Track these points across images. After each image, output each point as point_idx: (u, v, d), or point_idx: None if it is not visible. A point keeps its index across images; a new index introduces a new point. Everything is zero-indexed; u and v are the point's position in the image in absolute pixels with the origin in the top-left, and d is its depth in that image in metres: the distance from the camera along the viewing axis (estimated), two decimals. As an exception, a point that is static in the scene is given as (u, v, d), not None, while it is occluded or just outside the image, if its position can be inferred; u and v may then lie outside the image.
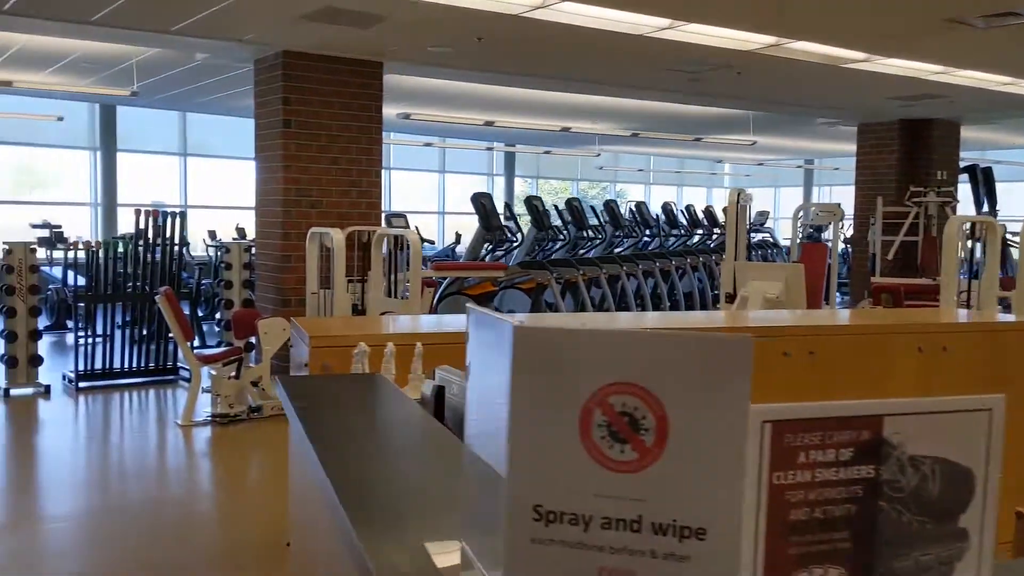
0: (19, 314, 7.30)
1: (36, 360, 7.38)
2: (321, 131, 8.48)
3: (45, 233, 14.13)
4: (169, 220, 7.85)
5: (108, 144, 15.24)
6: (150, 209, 7.87)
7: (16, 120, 14.19)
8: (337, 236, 6.69)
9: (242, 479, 5.54)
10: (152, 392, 7.71)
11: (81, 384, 7.56)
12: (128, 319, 8.09)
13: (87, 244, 7.68)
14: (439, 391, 1.81)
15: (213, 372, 6.38)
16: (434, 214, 20.18)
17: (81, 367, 7.74)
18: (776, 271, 7.18)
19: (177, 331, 6.30)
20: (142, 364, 7.95)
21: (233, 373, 6.34)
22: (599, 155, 18.42)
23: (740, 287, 6.74)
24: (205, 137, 16.79)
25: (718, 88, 10.36)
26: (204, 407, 6.60)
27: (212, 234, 13.57)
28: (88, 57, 9.78)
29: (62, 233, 11.81)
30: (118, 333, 7.94)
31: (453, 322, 3.83)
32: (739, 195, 7.87)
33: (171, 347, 8.11)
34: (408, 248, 6.63)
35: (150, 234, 8.03)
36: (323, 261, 7.24)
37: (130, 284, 8.02)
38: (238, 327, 6.65)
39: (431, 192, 20.63)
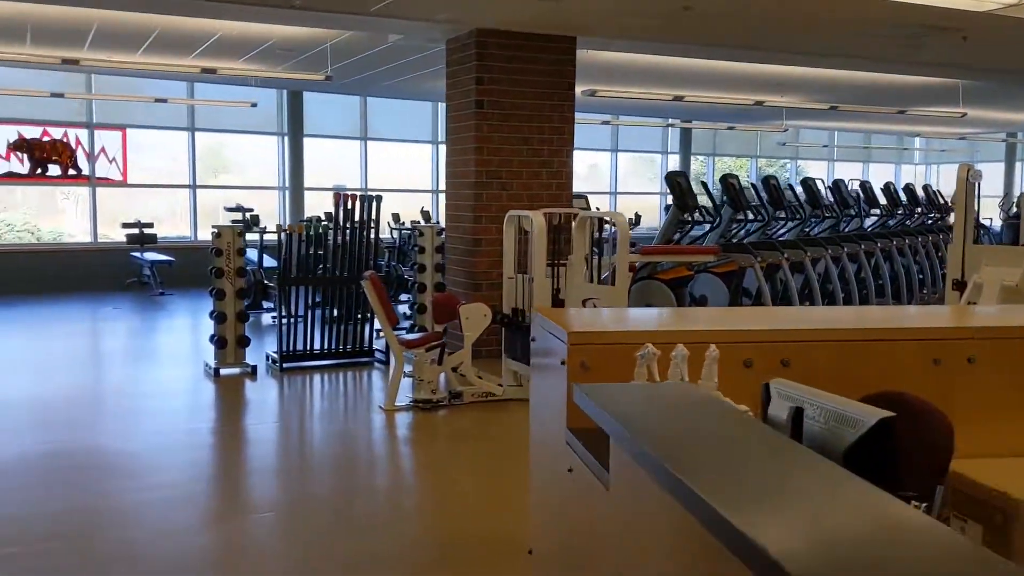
0: (227, 296, 7.50)
1: (243, 341, 7.57)
2: (513, 111, 8.30)
3: (238, 216, 14.79)
4: (366, 204, 7.87)
5: (295, 129, 15.71)
6: (349, 193, 7.91)
7: (210, 108, 14.83)
8: (538, 219, 6.47)
9: (451, 470, 5.42)
10: (349, 375, 7.78)
11: (284, 365, 7.71)
12: (322, 301, 8.20)
13: (290, 227, 7.81)
14: (796, 414, 1.50)
15: (414, 357, 6.32)
16: (605, 194, 19.82)
17: (282, 348, 7.90)
18: (1017, 255, 6.45)
19: (382, 316, 6.27)
20: (338, 346, 8.03)
21: (435, 358, 6.25)
22: (786, 130, 17.51)
23: (971, 273, 6.08)
24: (383, 121, 17.05)
25: (934, 55, 9.50)
26: (404, 392, 6.55)
27: (395, 217, 13.73)
28: (283, 43, 9.99)
29: (258, 217, 12.22)
30: (313, 315, 8.06)
31: (722, 317, 3.46)
32: (968, 171, 7.12)
33: (366, 329, 8.16)
34: (613, 231, 6.36)
35: (346, 217, 8.08)
36: (519, 245, 7.05)
37: (324, 267, 8.12)
38: (438, 312, 6.56)
39: (596, 172, 20.27)
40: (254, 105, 13.67)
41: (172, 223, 15.62)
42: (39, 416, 6.34)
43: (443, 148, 18.30)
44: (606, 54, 9.89)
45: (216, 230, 7.48)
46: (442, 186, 18.34)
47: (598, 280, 6.53)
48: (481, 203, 8.26)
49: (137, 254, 13.66)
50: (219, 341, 7.50)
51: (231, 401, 6.93)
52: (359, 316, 8.07)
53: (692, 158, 21.34)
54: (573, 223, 6.81)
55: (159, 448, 5.56)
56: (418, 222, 14.26)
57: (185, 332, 10.60)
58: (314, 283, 8.03)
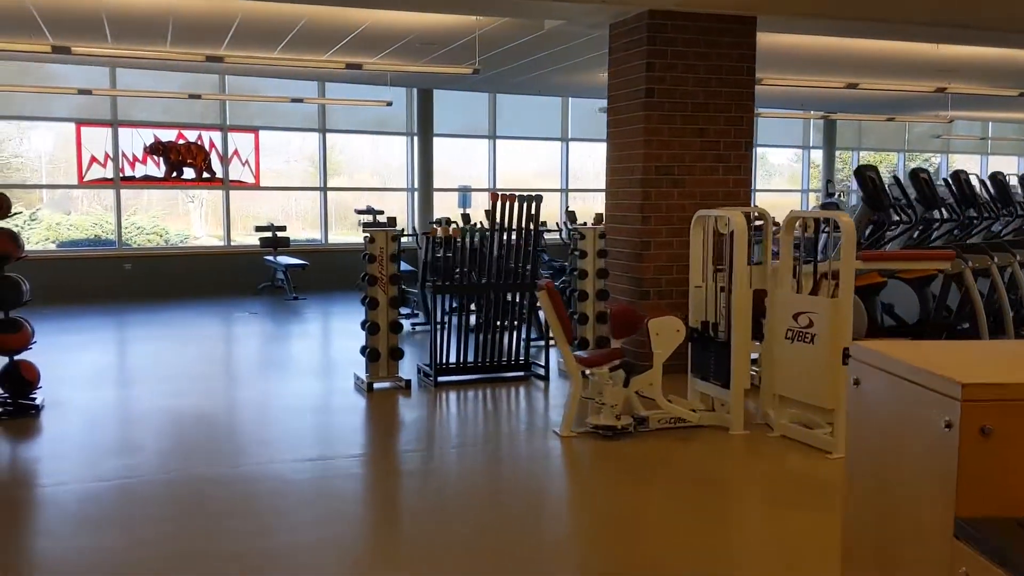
0: (380, 305, 6.93)
1: (396, 353, 7.00)
2: (686, 100, 7.48)
3: (368, 218, 14.41)
4: (525, 204, 7.19)
5: (425, 129, 15.23)
6: (507, 193, 7.26)
7: (331, 109, 14.49)
8: (738, 220, 5.66)
9: (654, 513, 4.66)
10: (508, 391, 7.11)
11: (439, 379, 7.11)
12: (477, 310, 7.56)
13: (444, 231, 7.20)
14: None
15: (593, 377, 5.60)
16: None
17: (429, 359, 7.31)
18: None
19: (558, 330, 5.56)
20: (492, 359, 7.38)
21: (618, 379, 5.51)
22: (951, 121, 16.11)
23: None
24: (509, 119, 16.43)
25: None
26: (576, 414, 5.83)
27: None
28: (425, 36, 9.43)
29: (395, 220, 11.73)
30: (466, 325, 7.43)
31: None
32: None
33: (521, 341, 7.49)
34: (837, 232, 5.49)
35: (504, 219, 7.42)
36: (711, 248, 6.24)
37: (478, 273, 7.47)
38: (616, 325, 5.82)
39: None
40: (389, 104, 13.22)
41: (292, 225, 15.37)
42: (177, 436, 5.87)
43: (572, 146, 17.76)
44: (773, 39, 8.97)
45: (369, 235, 6.92)
46: (572, 184, 17.73)
47: (806, 289, 5.66)
48: (650, 202, 7.48)
49: (270, 258, 13.40)
50: (372, 353, 6.94)
51: (388, 421, 6.34)
52: (515, 326, 7.40)
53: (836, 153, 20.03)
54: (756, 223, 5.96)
55: (313, 478, 4.98)
56: (567, 224, 13.61)
57: (326, 339, 10.18)
58: (472, 291, 7.39)
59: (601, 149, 18.18)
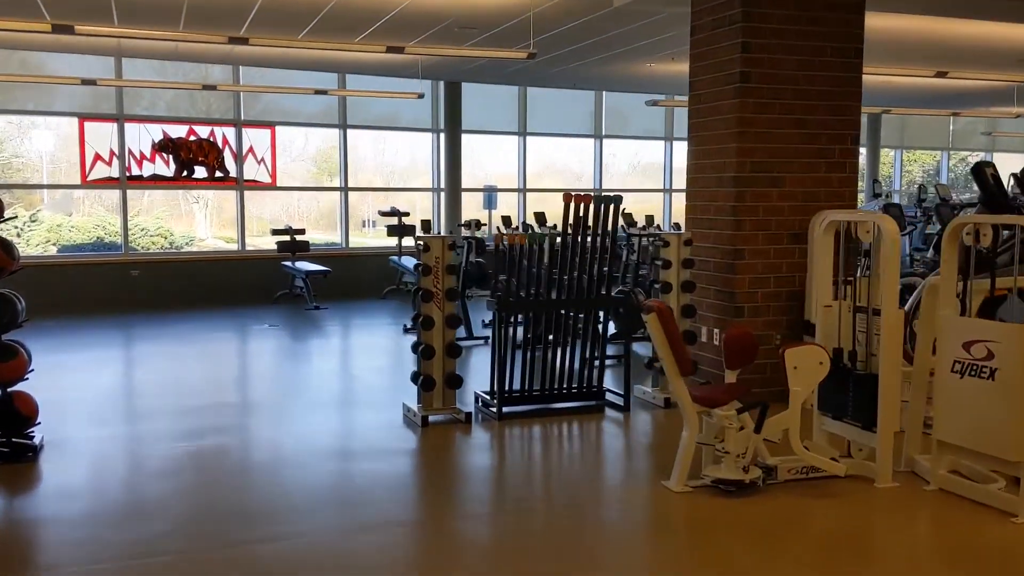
0: (436, 325, 5.92)
1: (454, 381, 5.99)
2: (785, 85, 6.47)
3: (393, 220, 13.39)
4: (603, 208, 6.18)
5: (452, 124, 14.21)
6: (581, 193, 6.24)
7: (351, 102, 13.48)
8: (888, 226, 4.63)
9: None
10: (586, 426, 6.10)
11: (503, 410, 6.09)
12: (544, 329, 6.53)
13: (509, 237, 6.17)
14: None
15: (712, 419, 4.59)
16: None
17: (489, 386, 6.31)
18: None
19: (671, 361, 4.55)
20: (562, 386, 6.37)
21: (737, 422, 4.49)
22: (1018, 116, 15.08)
23: None
24: (538, 115, 15.41)
25: None
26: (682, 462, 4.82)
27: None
28: (464, 19, 8.41)
29: (429, 223, 10.70)
30: (535, 346, 6.41)
31: None
32: None
33: (594, 364, 6.47)
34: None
35: (578, 224, 6.39)
36: (838, 257, 5.22)
37: (549, 286, 6.44)
38: (734, 353, 4.79)
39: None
40: (421, 96, 12.21)
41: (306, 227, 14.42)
42: (199, 494, 4.84)
43: (607, 142, 16.73)
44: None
45: (423, 243, 5.90)
46: (607, 183, 16.70)
47: (971, 310, 4.65)
48: (743, 204, 6.46)
49: (288, 263, 12.38)
50: (426, 382, 5.93)
51: (450, 467, 5.32)
52: (589, 347, 6.39)
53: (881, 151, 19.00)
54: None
55: (367, 552, 3.97)
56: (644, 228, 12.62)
57: (359, 358, 9.15)
58: (543, 308, 6.36)
59: (635, 146, 17.33)
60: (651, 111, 15.83)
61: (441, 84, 14.00)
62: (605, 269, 6.30)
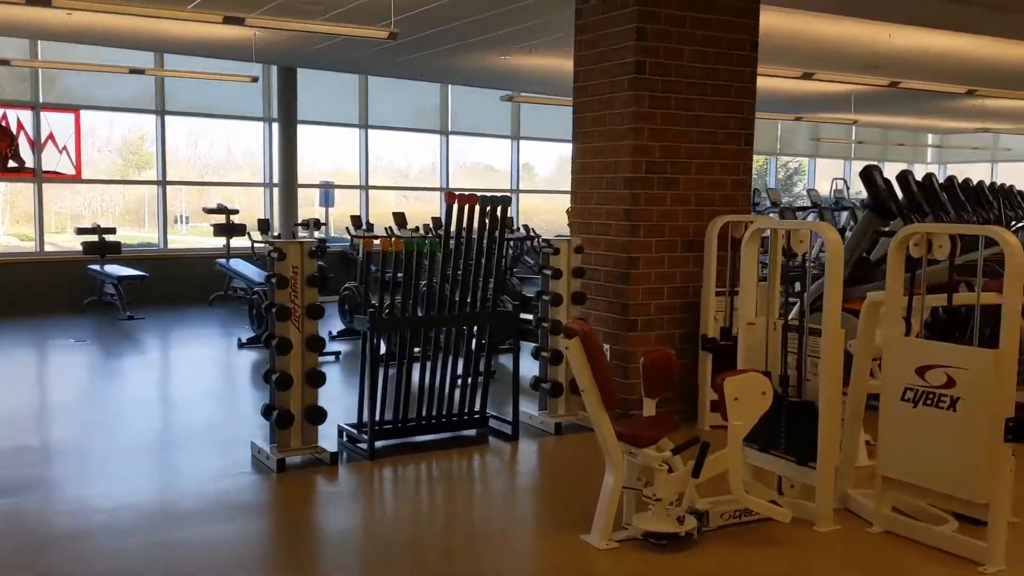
0: (294, 349, 4.95)
1: (317, 414, 5.03)
2: (682, 78, 5.91)
3: (221, 219, 12.06)
4: (490, 210, 5.39)
5: (288, 115, 13.00)
6: (464, 193, 5.42)
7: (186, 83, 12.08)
8: (830, 235, 4.09)
9: None
10: (473, 461, 5.29)
11: (376, 445, 5.19)
12: (421, 348, 5.65)
13: (385, 243, 5.24)
14: None
15: (638, 458, 3.91)
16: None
17: (358, 416, 5.41)
18: None
19: (594, 393, 3.82)
20: (439, 412, 5.54)
21: (667, 464, 3.82)
22: (855, 122, 15.43)
23: None
24: (378, 108, 14.45)
25: None
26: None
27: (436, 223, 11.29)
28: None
29: (268, 223, 9.59)
30: (409, 370, 5.55)
31: None
32: None
33: (478, 387, 5.67)
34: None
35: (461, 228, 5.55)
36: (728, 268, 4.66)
37: (421, 299, 5.54)
38: (654, 380, 4.14)
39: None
40: (255, 80, 10.99)
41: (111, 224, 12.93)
42: None
43: (454, 139, 15.89)
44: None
45: (277, 250, 4.91)
46: (454, 183, 15.86)
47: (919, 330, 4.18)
48: (639, 208, 5.85)
49: (97, 267, 10.85)
50: (281, 417, 4.94)
51: (315, 528, 4.38)
52: (473, 368, 5.60)
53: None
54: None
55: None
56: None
57: (187, 379, 7.91)
58: (428, 325, 5.48)
59: (483, 143, 16.61)
60: (498, 107, 15.21)
61: (274, 70, 12.78)
62: (491, 280, 5.52)
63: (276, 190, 13.19)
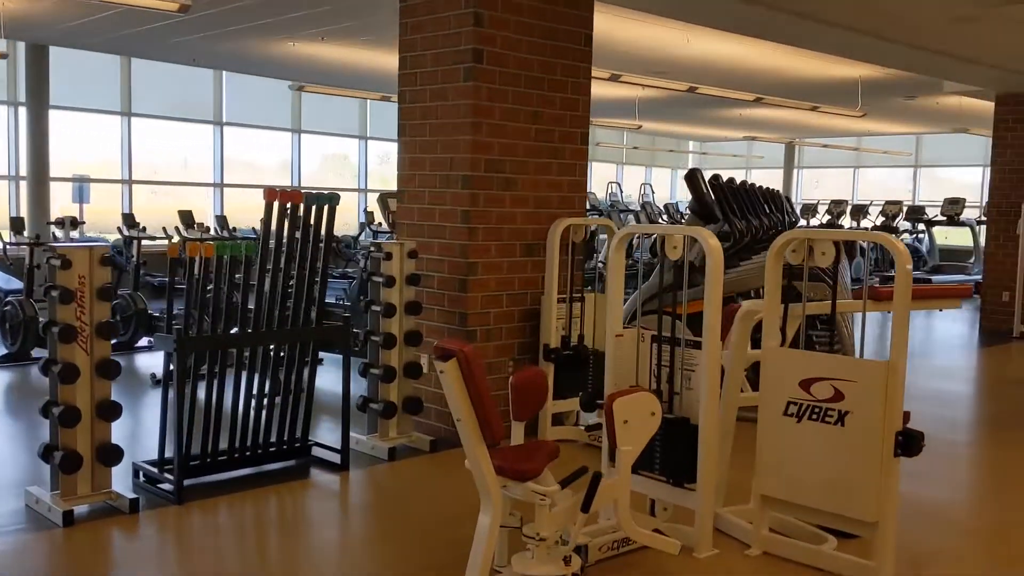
0: (82, 375, 4.06)
1: (111, 454, 4.17)
2: (520, 70, 5.52)
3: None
4: (317, 209, 4.72)
5: (38, 98, 11.41)
6: (286, 189, 4.71)
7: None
8: (711, 242, 3.82)
9: None
10: (298, 499, 4.60)
11: (184, 484, 4.38)
12: (235, 368, 4.87)
13: (192, 247, 4.41)
14: None
15: (514, 492, 3.44)
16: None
17: (159, 452, 4.58)
18: None
19: (472, 425, 3.29)
20: (257, 443, 4.81)
21: (548, 498, 3.39)
22: (639, 127, 15.78)
23: None
24: (146, 92, 13.13)
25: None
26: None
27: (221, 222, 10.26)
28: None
29: (21, 221, 8.23)
30: (220, 396, 4.77)
31: None
32: None
33: (299, 412, 4.99)
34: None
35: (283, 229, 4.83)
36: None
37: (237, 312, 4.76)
38: (523, 400, 3.69)
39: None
40: (4, 56, 9.46)
41: None
42: None
43: (228, 129, 14.69)
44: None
45: (60, 257, 4.00)
46: (229, 178, 14.65)
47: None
48: (478, 209, 5.39)
49: None
50: (67, 459, 4.05)
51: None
52: (293, 392, 4.91)
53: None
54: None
55: None
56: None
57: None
58: (246, 343, 4.70)
59: (262, 136, 15.51)
60: (281, 99, 14.28)
61: (21, 47, 11.18)
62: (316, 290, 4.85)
63: (24, 183, 11.56)
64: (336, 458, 4.98)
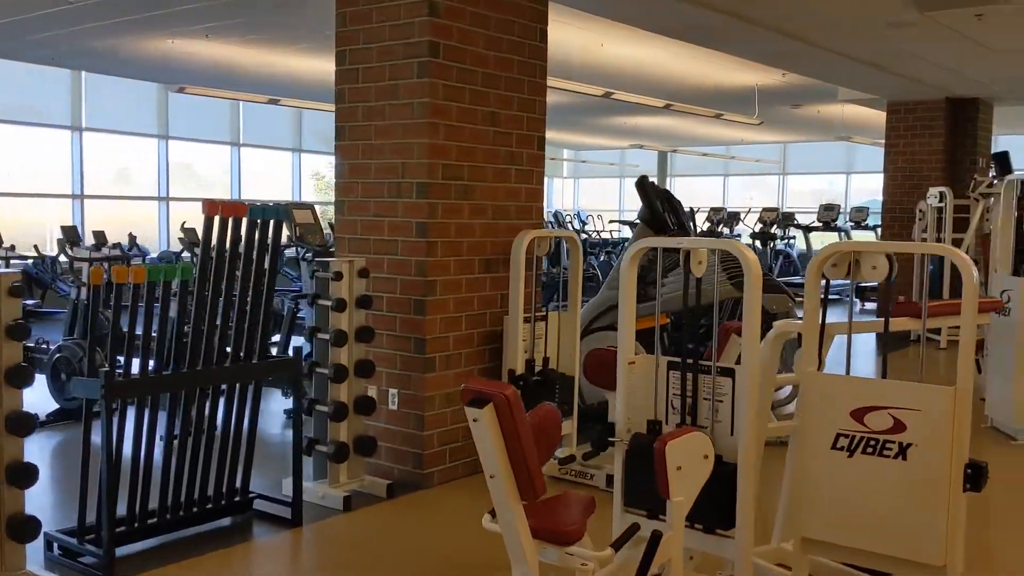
0: (-12, 436, 3.22)
1: (24, 528, 3.34)
2: (476, 66, 4.97)
3: None
4: (259, 224, 4.02)
5: None
6: (225, 201, 3.97)
7: None
8: (750, 256, 3.39)
9: None
10: (246, 566, 3.88)
11: (119, 553, 3.59)
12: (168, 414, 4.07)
13: (119, 272, 3.58)
14: None
15: (546, 556, 2.89)
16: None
17: (79, 518, 3.77)
18: None
19: (507, 478, 2.70)
20: (189, 498, 4.06)
21: (595, 563, 2.86)
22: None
23: None
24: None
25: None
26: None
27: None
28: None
29: None
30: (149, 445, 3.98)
31: None
32: None
33: (238, 460, 4.26)
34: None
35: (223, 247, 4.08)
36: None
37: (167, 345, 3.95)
38: (542, 441, 3.13)
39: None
40: None
41: None
42: None
43: (91, 137, 13.32)
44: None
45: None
46: (89, 189, 13.28)
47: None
48: (436, 221, 4.80)
49: None
50: (-34, 542, 3.21)
51: None
52: (232, 438, 4.17)
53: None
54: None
55: None
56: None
57: None
58: (178, 384, 3.93)
59: (117, 142, 14.21)
60: (146, 103, 13.13)
61: None
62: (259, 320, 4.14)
63: None
64: (285, 511, 4.28)
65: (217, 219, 3.91)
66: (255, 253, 4.04)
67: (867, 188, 21.20)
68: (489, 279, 5.11)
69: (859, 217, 17.21)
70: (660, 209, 6.16)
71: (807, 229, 17.31)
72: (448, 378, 4.89)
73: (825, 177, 23.29)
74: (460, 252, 4.92)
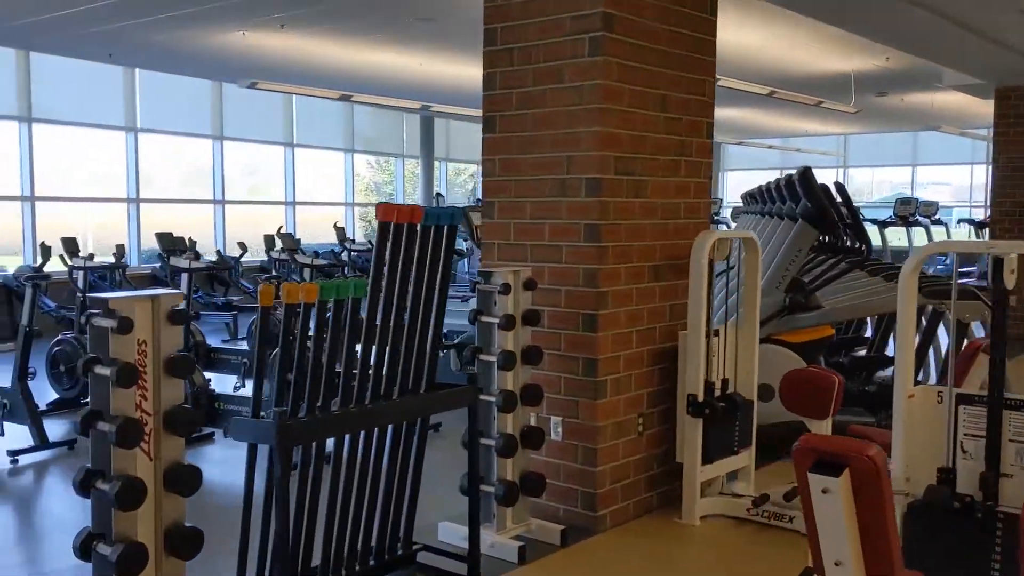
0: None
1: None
2: (649, 43, 4.30)
3: None
4: (434, 232, 3.38)
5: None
6: (403, 205, 3.35)
7: None
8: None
9: None
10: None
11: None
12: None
13: (291, 290, 2.94)
14: None
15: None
16: (342, 205, 15.44)
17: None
18: None
19: (856, 566, 2.07)
20: (358, 548, 3.43)
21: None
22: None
23: None
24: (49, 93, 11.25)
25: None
26: None
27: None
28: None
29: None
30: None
31: None
32: None
33: (404, 508, 3.62)
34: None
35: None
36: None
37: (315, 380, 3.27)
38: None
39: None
40: None
41: None
42: None
43: (146, 138, 12.70)
44: None
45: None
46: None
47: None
48: (608, 223, 4.13)
49: None
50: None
51: None
52: (398, 479, 3.53)
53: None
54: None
55: None
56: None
57: None
58: (355, 424, 3.28)
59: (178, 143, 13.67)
60: (199, 101, 12.56)
61: None
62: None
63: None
64: (457, 567, 3.64)
65: (394, 222, 3.26)
66: (428, 263, 3.39)
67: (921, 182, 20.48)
68: (658, 288, 4.44)
69: (929, 211, 16.43)
70: (827, 206, 5.48)
71: (883, 224, 16.50)
72: (619, 404, 4.23)
73: (886, 170, 22.48)
74: (631, 258, 4.26)
